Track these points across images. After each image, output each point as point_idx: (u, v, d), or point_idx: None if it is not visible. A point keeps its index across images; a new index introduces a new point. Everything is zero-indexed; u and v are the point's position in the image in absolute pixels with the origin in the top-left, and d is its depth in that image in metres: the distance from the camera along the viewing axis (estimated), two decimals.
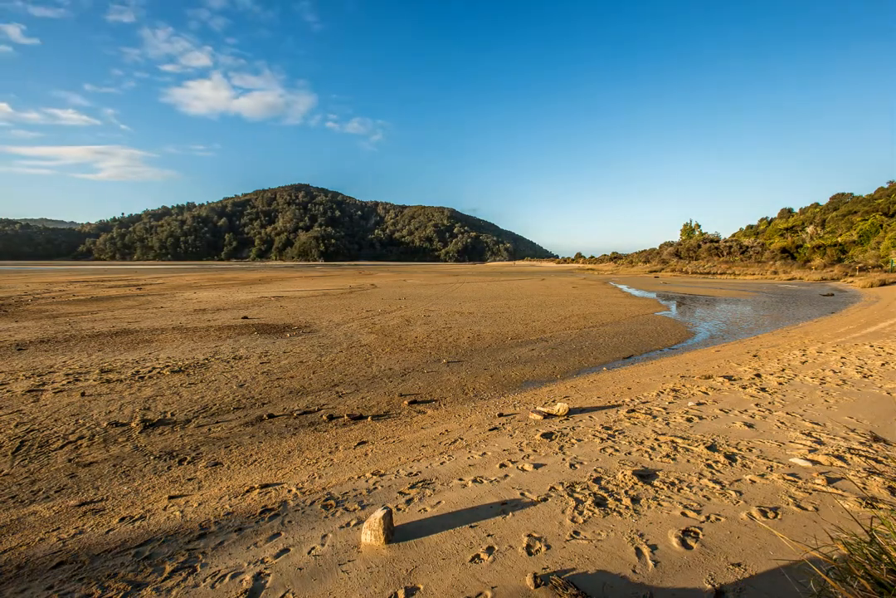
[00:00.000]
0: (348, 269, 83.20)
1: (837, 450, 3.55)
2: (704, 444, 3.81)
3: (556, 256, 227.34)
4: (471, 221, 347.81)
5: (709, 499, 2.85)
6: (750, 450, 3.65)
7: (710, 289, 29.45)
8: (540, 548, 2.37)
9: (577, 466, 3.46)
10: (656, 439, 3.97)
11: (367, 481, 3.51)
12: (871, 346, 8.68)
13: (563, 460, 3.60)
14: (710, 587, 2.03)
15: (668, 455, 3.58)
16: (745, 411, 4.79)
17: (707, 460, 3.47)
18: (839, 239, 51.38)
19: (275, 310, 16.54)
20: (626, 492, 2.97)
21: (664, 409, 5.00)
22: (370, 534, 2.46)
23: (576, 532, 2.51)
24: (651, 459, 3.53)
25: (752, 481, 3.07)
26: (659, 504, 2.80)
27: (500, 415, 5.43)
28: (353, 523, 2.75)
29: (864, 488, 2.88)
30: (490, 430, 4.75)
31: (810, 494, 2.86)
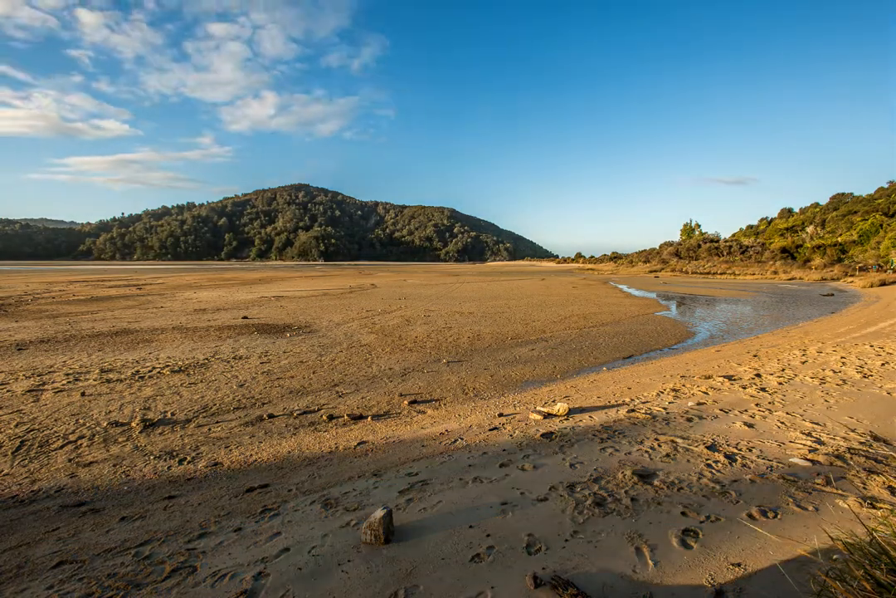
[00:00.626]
0: (348, 269, 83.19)
1: (837, 450, 3.55)
2: (704, 444, 3.81)
3: (556, 256, 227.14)
4: (471, 220, 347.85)
5: (709, 499, 2.85)
6: (750, 450, 3.65)
7: (710, 289, 29.45)
8: (540, 548, 2.37)
9: (577, 466, 3.46)
10: (656, 439, 3.96)
11: (367, 480, 3.51)
12: (871, 346, 8.67)
13: (563, 459, 3.60)
14: (709, 586, 2.03)
15: (668, 455, 3.58)
16: (745, 410, 4.79)
17: (707, 459, 3.47)
18: (839, 239, 51.37)
19: (275, 310, 16.53)
20: (625, 492, 2.97)
21: (664, 409, 5.00)
22: (370, 534, 2.46)
23: (576, 532, 2.51)
24: (651, 459, 3.53)
25: (752, 481, 3.06)
26: (659, 504, 2.80)
27: (501, 415, 5.43)
28: (353, 522, 2.75)
29: (864, 488, 2.88)
30: (490, 430, 4.75)
31: (810, 494, 2.86)
